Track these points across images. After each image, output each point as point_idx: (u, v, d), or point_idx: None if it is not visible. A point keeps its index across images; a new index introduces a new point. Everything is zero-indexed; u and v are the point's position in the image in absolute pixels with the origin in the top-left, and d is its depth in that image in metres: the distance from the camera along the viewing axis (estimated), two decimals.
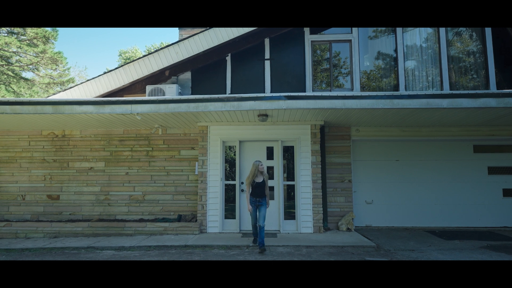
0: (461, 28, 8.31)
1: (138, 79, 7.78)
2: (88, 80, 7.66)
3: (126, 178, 7.73)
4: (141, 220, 7.35)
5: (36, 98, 7.32)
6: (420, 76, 8.22)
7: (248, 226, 7.17)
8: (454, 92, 5.81)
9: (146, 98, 6.03)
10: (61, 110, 6.04)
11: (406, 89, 8.02)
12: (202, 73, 8.16)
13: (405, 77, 8.10)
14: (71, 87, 7.74)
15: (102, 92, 7.73)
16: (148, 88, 7.62)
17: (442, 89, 7.98)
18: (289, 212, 7.26)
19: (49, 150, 7.87)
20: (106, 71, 7.45)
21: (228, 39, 7.70)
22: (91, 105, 6.02)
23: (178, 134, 7.81)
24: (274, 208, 7.21)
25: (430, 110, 6.05)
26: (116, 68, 7.65)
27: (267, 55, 8.16)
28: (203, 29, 7.90)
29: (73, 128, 7.71)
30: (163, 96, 6.44)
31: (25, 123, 7.16)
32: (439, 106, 5.76)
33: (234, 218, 7.19)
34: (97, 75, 7.66)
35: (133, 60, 7.71)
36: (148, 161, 7.76)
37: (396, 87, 8.11)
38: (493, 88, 7.95)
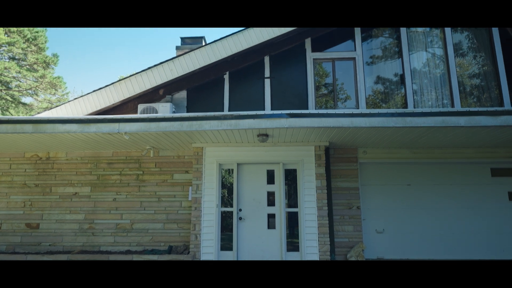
0: (471, 46, 7.97)
1: (130, 97, 7.31)
2: (76, 99, 7.18)
3: (113, 205, 7.07)
4: (127, 252, 6.61)
5: (15, 116, 6.82)
6: (429, 97, 7.76)
7: (246, 258, 6.43)
8: (471, 109, 5.30)
9: (135, 116, 5.52)
10: (42, 129, 5.50)
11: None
12: (199, 92, 7.72)
13: (413, 97, 7.65)
14: (57, 106, 7.26)
15: (91, 111, 7.23)
16: (140, 107, 7.14)
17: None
18: (292, 243, 6.54)
19: (31, 174, 7.26)
20: (95, 89, 6.98)
21: (226, 56, 7.31)
22: (75, 124, 5.49)
23: (171, 156, 7.23)
24: (276, 238, 6.51)
25: (446, 129, 5.52)
26: (106, 86, 7.18)
27: (267, 74, 7.75)
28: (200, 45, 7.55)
29: (58, 150, 7.15)
30: (154, 114, 5.93)
31: (5, 144, 6.61)
32: (456, 124, 5.24)
33: (231, 249, 6.46)
34: (85, 93, 7.19)
35: (125, 78, 7.28)
36: (138, 186, 7.13)
37: (404, 107, 7.64)
38: (507, 107, 7.47)
